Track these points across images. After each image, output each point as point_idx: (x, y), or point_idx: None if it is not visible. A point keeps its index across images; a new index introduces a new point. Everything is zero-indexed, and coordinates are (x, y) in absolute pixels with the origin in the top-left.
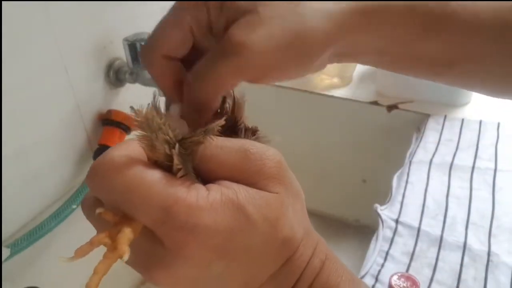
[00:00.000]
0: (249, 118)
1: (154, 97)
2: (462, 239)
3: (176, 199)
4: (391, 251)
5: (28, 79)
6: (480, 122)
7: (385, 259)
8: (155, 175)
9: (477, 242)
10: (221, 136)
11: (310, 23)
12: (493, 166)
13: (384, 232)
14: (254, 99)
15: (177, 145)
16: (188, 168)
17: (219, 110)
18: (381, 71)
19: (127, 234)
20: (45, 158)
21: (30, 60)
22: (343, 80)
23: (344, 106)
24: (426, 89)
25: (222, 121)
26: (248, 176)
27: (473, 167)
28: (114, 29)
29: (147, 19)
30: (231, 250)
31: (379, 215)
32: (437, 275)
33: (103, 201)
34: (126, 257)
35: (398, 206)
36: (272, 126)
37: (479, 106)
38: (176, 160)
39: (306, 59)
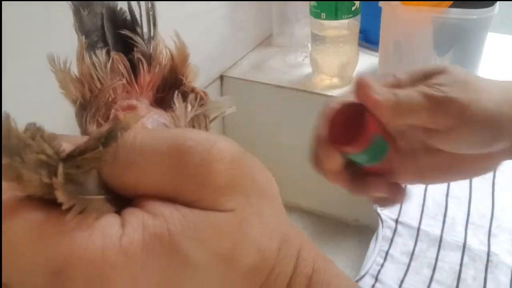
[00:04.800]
0: (248, 117)
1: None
2: (462, 239)
3: (68, 255)
4: (391, 251)
5: (28, 79)
6: None
7: (385, 259)
8: (32, 223)
9: (476, 242)
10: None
11: None
12: None
13: (384, 232)
14: (254, 98)
15: (60, 166)
16: (86, 195)
17: (153, 64)
18: (381, 71)
19: None
20: None
21: (30, 60)
22: (343, 80)
23: None
24: None
25: (130, 121)
26: (186, 191)
27: None
28: None
29: None
30: None
31: (379, 215)
32: (437, 275)
33: None
34: None
35: (398, 206)
36: (272, 125)
37: None
38: (60, 194)
39: None
